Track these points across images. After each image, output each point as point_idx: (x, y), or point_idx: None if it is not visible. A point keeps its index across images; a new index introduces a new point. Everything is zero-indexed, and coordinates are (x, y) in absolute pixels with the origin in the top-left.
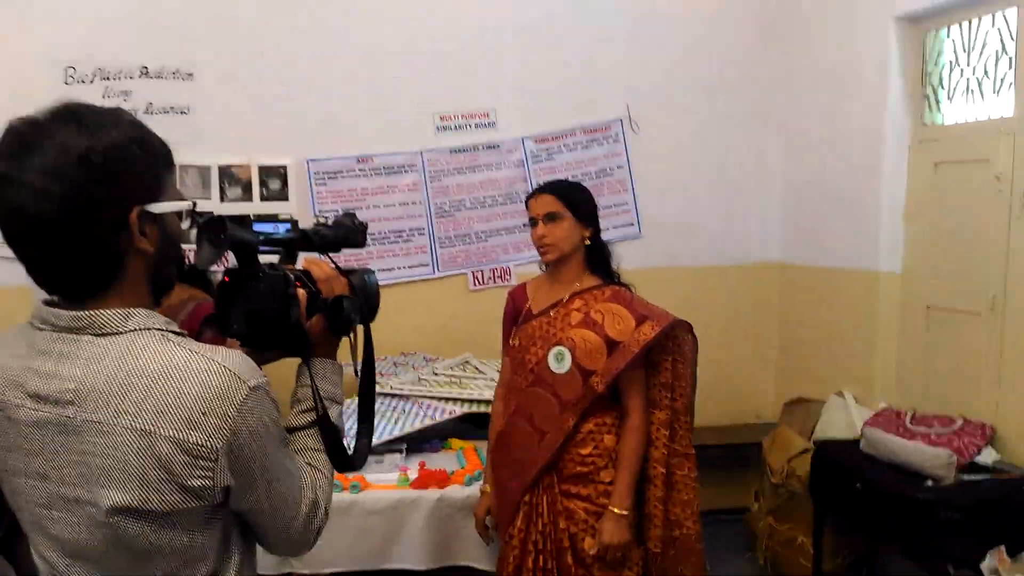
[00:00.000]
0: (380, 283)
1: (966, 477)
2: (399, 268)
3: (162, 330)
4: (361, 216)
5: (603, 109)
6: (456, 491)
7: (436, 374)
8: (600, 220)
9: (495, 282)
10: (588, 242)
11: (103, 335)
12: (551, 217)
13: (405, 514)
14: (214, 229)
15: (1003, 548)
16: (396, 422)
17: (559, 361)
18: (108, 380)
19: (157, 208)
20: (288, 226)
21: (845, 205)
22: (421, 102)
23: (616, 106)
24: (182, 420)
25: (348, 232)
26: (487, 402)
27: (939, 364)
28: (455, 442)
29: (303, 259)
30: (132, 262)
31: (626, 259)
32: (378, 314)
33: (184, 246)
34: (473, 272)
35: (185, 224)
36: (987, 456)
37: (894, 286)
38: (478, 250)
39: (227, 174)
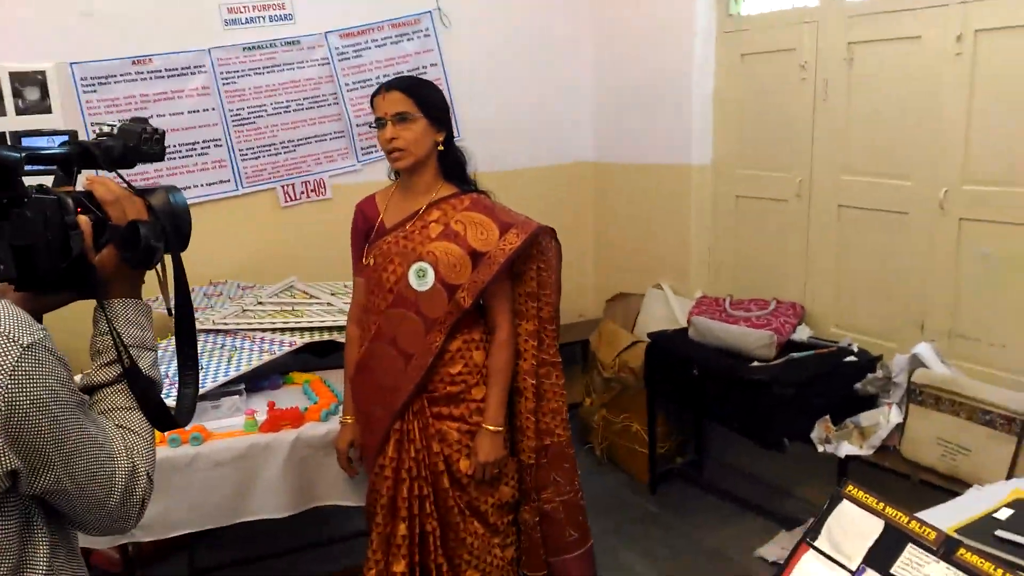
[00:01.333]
0: None
1: (796, 355)
2: (196, 186)
3: None
4: None
5: (410, 0)
6: (313, 428)
7: (261, 303)
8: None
9: (309, 196)
10: (441, 147)
11: None
12: (402, 118)
13: (258, 461)
14: None
15: (828, 417)
16: (229, 361)
17: (421, 278)
18: None
19: None
20: (64, 138)
21: (657, 101)
22: None
23: None
24: None
25: (140, 142)
26: (329, 328)
27: (749, 251)
28: (298, 375)
29: (85, 179)
30: None
31: None
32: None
33: None
34: (283, 186)
35: None
36: (802, 333)
37: (705, 178)
38: (286, 161)
39: None
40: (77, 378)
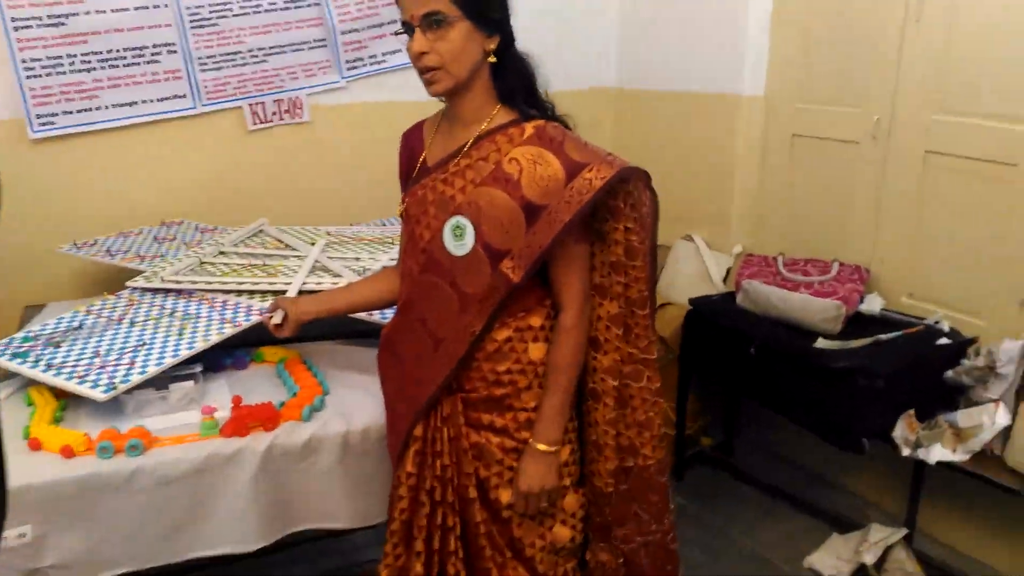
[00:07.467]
0: (118, 122)
1: (883, 337)
2: (144, 102)
3: None
4: (80, 25)
5: None
6: (292, 431)
7: (224, 253)
8: None
9: (282, 118)
10: (494, 58)
11: None
12: (434, 21)
13: (219, 477)
14: None
15: (912, 413)
16: (181, 334)
17: (458, 237)
18: None
19: None
20: None
21: (698, 19)
22: None
23: None
24: None
25: None
26: (312, 292)
27: (804, 201)
28: (270, 351)
29: None
30: None
31: None
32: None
33: None
34: (251, 104)
35: None
36: (872, 304)
37: (756, 112)
38: (255, 74)
39: None
40: None
